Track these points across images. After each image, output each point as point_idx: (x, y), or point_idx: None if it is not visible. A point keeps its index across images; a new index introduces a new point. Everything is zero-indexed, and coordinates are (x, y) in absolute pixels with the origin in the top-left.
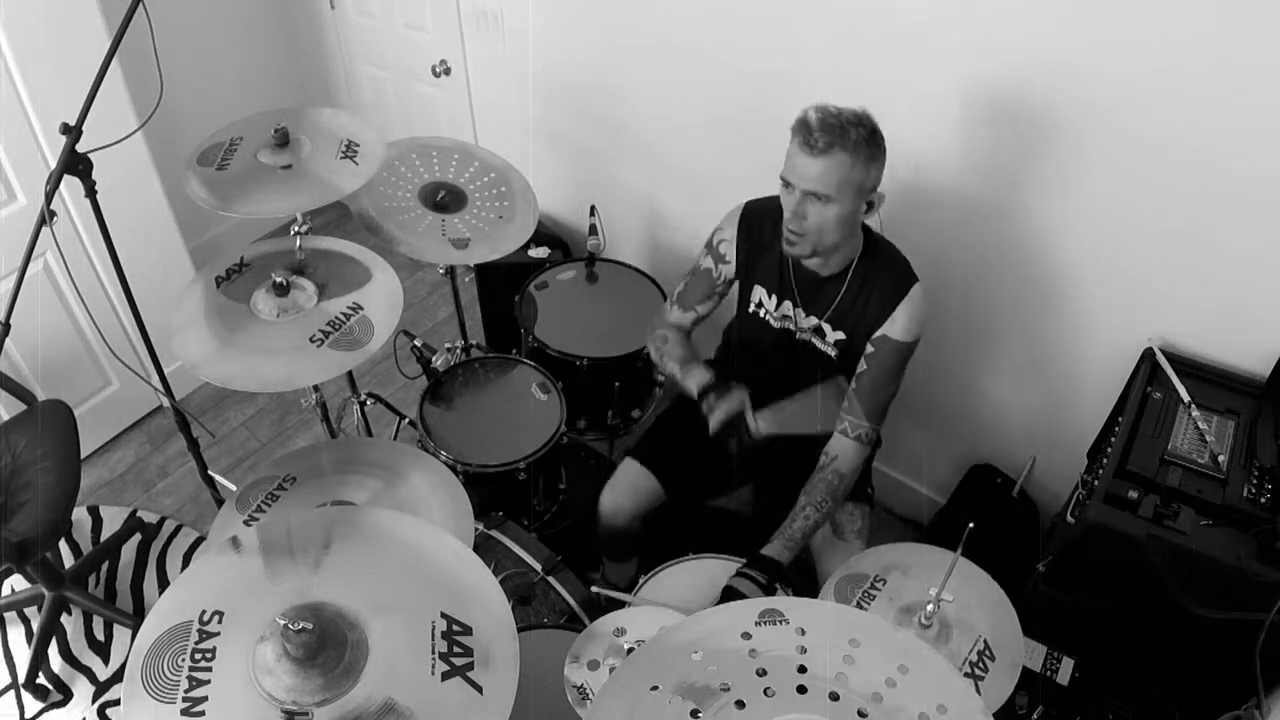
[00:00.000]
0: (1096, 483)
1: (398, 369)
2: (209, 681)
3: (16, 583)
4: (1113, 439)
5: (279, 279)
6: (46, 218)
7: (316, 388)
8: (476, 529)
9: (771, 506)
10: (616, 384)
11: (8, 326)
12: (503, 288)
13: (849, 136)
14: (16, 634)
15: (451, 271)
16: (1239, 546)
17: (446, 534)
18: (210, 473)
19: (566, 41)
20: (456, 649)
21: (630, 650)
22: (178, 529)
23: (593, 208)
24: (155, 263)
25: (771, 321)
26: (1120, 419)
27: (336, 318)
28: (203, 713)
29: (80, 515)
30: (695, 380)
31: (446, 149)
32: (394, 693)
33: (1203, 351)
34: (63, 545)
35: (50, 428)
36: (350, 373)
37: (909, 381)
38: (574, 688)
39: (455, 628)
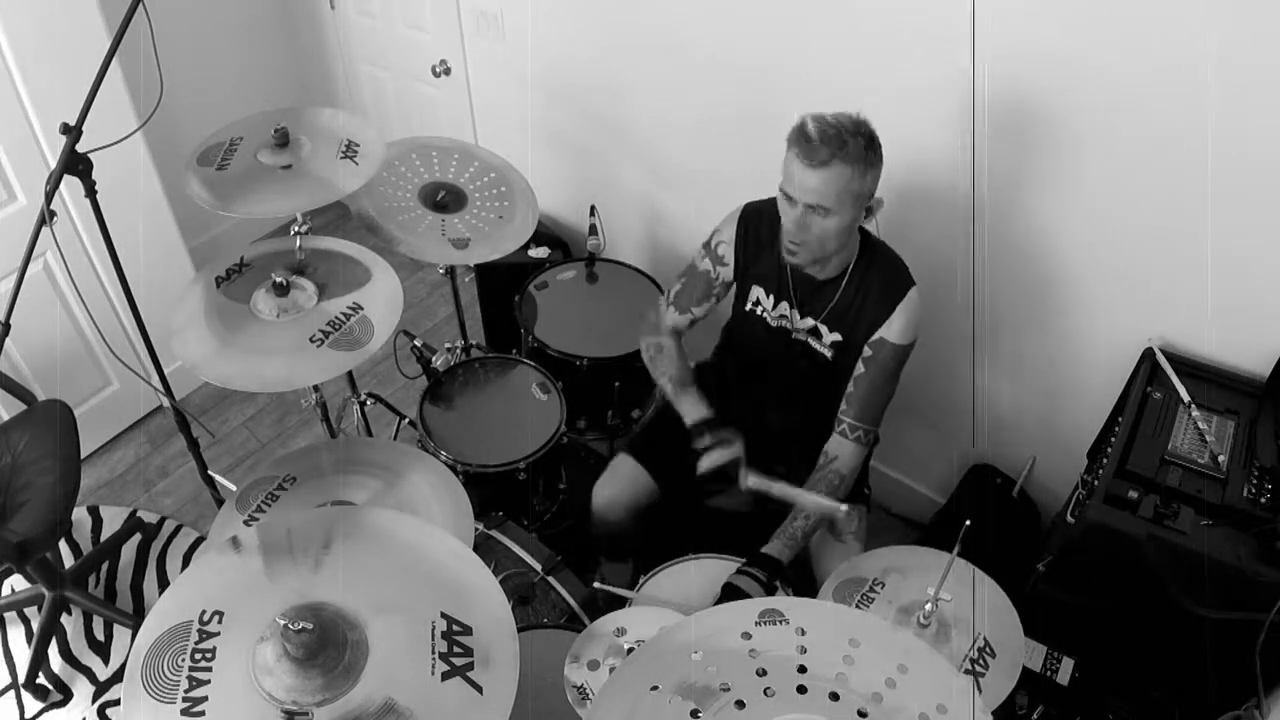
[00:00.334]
0: (1096, 483)
1: (398, 369)
2: (209, 681)
3: (16, 583)
4: (1113, 439)
5: (279, 279)
6: (46, 218)
7: (316, 388)
8: (476, 529)
9: (771, 506)
10: (616, 384)
11: (8, 326)
12: (503, 288)
13: (848, 147)
14: (16, 634)
15: (451, 271)
16: (1239, 546)
17: (446, 534)
18: (210, 473)
19: (566, 41)
20: (456, 649)
21: (630, 650)
22: (178, 529)
23: (593, 208)
24: (155, 263)
25: (769, 321)
26: (1120, 419)
27: (336, 318)
28: (203, 713)
29: (80, 515)
30: (691, 413)
31: (446, 149)
32: (394, 693)
33: (1203, 351)
34: (63, 545)
35: (50, 428)
36: (350, 373)
37: (909, 381)
38: (574, 688)
39: (455, 628)
